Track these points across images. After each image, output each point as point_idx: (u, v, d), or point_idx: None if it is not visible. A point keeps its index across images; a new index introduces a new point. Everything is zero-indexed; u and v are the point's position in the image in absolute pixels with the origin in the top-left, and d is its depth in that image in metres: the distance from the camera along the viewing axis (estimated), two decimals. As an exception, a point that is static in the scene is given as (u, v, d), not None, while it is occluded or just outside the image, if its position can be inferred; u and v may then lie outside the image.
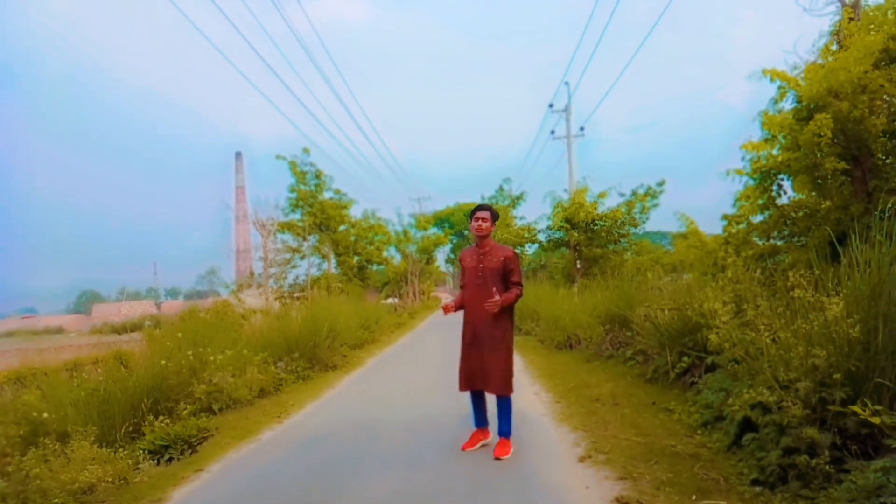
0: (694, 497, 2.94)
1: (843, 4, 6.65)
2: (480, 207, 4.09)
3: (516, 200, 29.89)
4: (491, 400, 4.09)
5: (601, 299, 8.48)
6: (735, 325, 4.19)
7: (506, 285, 3.98)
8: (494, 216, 4.09)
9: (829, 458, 2.72)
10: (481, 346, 3.96)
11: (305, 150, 18.13)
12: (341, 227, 19.15)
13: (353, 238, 19.72)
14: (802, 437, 2.82)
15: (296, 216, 17.90)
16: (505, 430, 4.02)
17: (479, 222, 4.01)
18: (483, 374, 3.97)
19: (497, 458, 3.82)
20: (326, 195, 18.54)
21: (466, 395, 4.18)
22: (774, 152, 6.38)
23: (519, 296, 4.00)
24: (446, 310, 4.24)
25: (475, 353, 3.99)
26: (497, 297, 3.83)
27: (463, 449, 4.07)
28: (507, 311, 3.99)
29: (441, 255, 39.57)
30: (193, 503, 3.54)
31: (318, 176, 18.22)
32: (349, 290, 16.58)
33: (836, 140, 5.67)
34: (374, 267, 22.29)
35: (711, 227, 8.86)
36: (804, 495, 2.69)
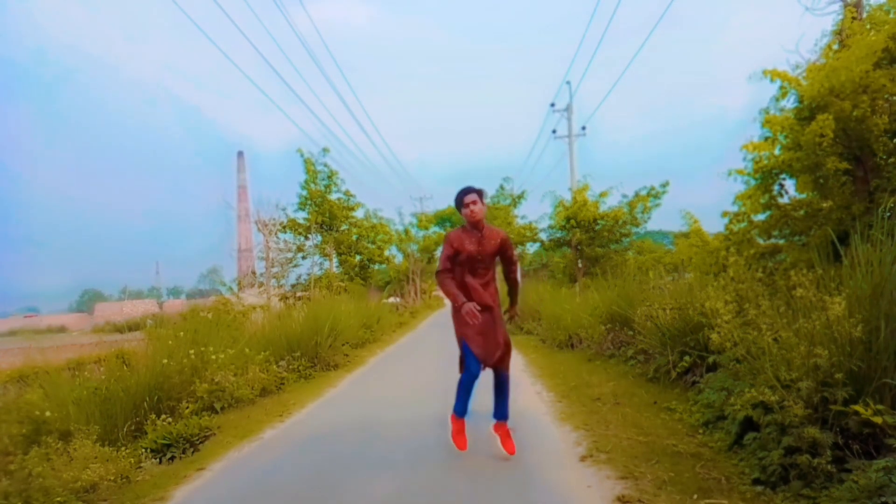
0: (695, 496, 2.94)
1: (846, 4, 6.64)
2: (466, 191, 3.81)
3: (517, 199, 29.83)
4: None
5: (602, 299, 8.46)
6: (736, 324, 4.18)
7: (506, 265, 4.09)
8: (482, 196, 3.86)
9: (831, 458, 2.72)
10: (493, 324, 3.84)
11: (325, 150, 18.11)
12: (343, 227, 19.15)
13: (354, 237, 19.72)
14: (804, 436, 2.82)
15: (303, 214, 17.88)
16: (507, 413, 3.91)
17: (472, 207, 3.76)
18: (502, 350, 3.82)
19: (511, 455, 3.77)
20: (334, 196, 18.56)
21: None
22: (776, 152, 6.37)
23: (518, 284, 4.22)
24: (474, 315, 3.63)
25: (491, 332, 3.82)
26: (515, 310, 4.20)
27: (463, 450, 3.84)
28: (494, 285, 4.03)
29: (442, 255, 39.42)
30: (195, 502, 3.55)
31: (329, 176, 18.22)
32: (351, 289, 16.57)
33: (837, 140, 5.66)
34: (376, 266, 22.26)
35: (713, 226, 8.86)
36: (806, 495, 2.69)
